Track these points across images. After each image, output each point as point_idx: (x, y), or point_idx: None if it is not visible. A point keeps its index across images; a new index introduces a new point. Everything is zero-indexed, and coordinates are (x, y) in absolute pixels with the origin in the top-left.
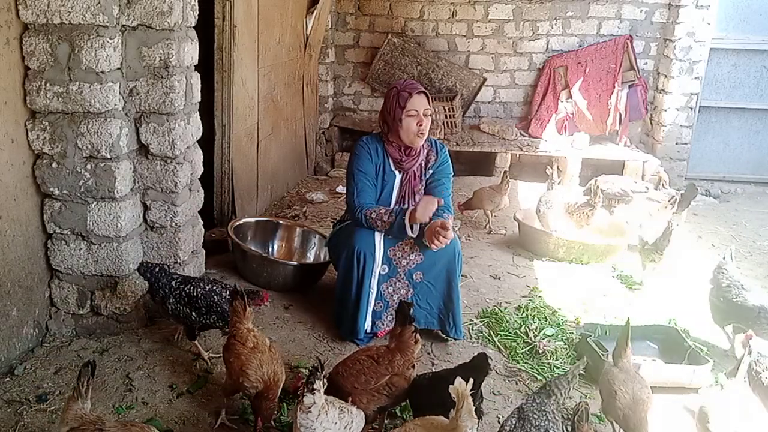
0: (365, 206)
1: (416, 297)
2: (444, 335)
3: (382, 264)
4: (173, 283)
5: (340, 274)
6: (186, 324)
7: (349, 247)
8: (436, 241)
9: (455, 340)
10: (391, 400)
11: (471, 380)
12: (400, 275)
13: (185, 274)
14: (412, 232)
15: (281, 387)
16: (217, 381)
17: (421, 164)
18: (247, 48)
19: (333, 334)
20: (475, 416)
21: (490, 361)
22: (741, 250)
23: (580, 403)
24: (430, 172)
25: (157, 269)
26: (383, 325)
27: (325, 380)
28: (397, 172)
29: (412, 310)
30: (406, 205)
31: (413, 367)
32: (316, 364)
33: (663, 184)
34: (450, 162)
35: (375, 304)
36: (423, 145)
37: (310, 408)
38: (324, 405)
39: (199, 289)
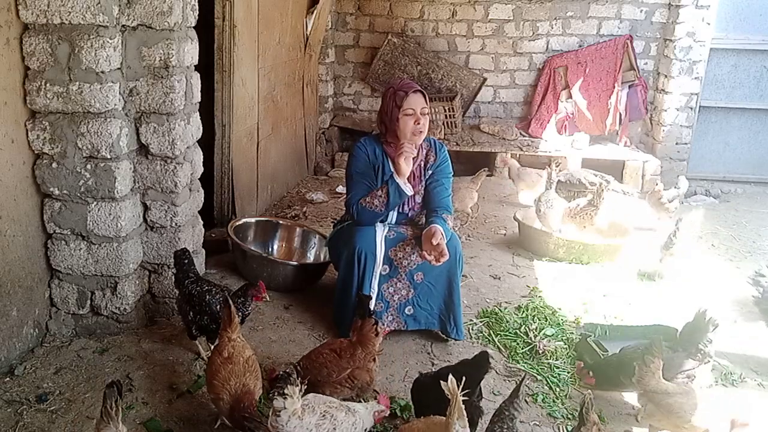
0: (361, 196)
1: (417, 297)
2: (444, 336)
3: (383, 264)
4: (186, 281)
5: (341, 274)
6: (184, 322)
7: (350, 247)
8: (433, 261)
9: (456, 340)
10: (354, 392)
11: (463, 378)
12: (401, 275)
13: (201, 275)
14: (407, 190)
15: (255, 401)
16: None
17: (420, 165)
18: (247, 48)
19: (333, 334)
20: (465, 414)
21: (491, 360)
22: (741, 250)
23: (585, 395)
24: (430, 172)
25: (186, 261)
26: (384, 325)
27: (303, 386)
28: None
29: (371, 302)
30: (407, 208)
31: (374, 360)
32: (290, 370)
33: (659, 196)
34: (449, 162)
35: (376, 305)
36: (422, 145)
37: (279, 412)
38: (297, 410)
39: (197, 288)
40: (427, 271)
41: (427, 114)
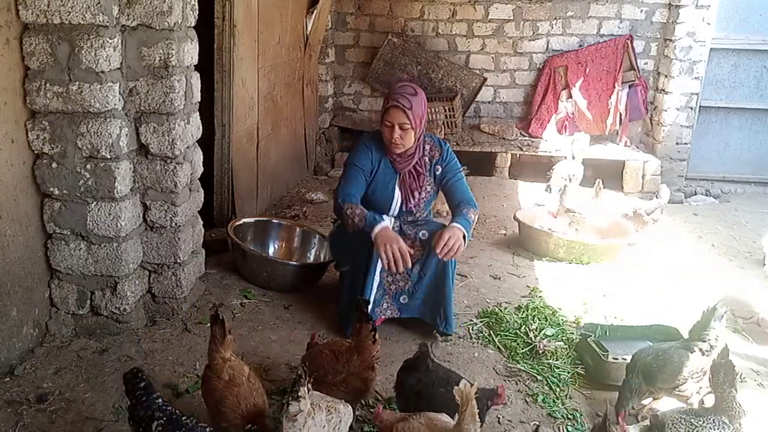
0: (349, 198)
1: (412, 288)
2: (435, 331)
3: None
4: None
5: (353, 262)
6: None
7: (364, 241)
8: (441, 255)
9: (445, 335)
10: (348, 397)
11: (476, 383)
12: None
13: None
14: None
15: (265, 417)
16: None
17: (422, 162)
18: (247, 48)
19: (333, 334)
20: (479, 420)
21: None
22: (741, 250)
23: (607, 408)
24: (439, 168)
25: (142, 385)
26: (381, 312)
27: (310, 386)
28: (395, 171)
29: (369, 307)
30: (411, 204)
31: (372, 368)
32: (300, 372)
33: (641, 215)
34: (455, 158)
35: (375, 293)
36: (425, 141)
37: (296, 416)
38: (310, 411)
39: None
40: (423, 264)
41: (409, 129)
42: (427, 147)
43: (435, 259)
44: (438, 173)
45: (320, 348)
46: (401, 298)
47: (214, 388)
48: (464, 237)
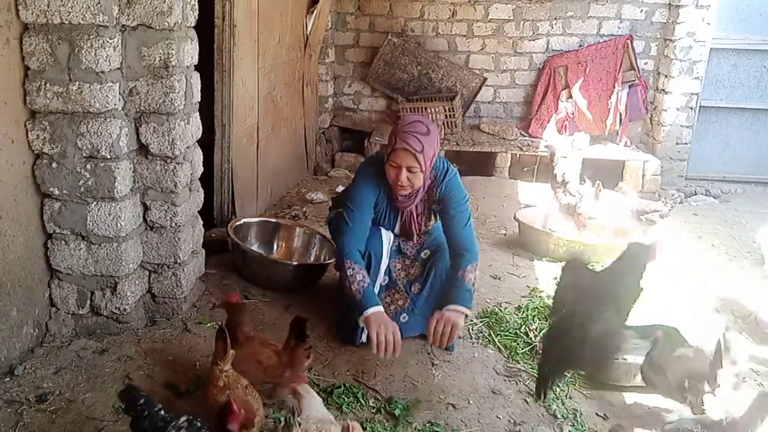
0: (353, 256)
1: (413, 305)
2: None
3: (384, 274)
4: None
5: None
6: None
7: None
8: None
9: (447, 351)
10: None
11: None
12: (399, 287)
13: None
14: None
15: (255, 422)
16: None
17: (423, 199)
18: (247, 48)
19: (333, 335)
20: None
21: None
22: (741, 250)
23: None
24: (437, 206)
25: (142, 401)
26: None
27: (299, 423)
28: (396, 210)
29: (307, 325)
30: (411, 241)
31: (299, 378)
32: (289, 414)
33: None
34: (457, 188)
35: None
36: (425, 183)
37: None
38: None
39: None
40: (423, 283)
41: (417, 171)
42: (429, 182)
43: (436, 278)
44: (436, 208)
45: (251, 350)
46: (401, 317)
47: (209, 395)
48: (465, 315)
